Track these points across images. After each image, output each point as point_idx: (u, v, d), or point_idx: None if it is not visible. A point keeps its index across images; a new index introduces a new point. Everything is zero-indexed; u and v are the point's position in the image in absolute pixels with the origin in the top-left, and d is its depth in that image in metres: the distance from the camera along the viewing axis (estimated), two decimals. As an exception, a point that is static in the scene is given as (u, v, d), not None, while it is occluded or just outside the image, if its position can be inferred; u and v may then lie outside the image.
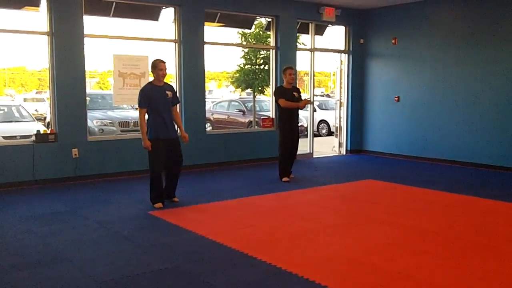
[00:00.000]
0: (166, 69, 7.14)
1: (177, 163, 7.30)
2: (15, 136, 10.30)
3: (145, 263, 4.90)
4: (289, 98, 9.03)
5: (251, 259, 5.01)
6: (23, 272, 4.66)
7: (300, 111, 9.34)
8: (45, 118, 15.73)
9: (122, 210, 7.06)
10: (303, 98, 9.48)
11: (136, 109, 14.67)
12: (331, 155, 13.01)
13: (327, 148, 13.91)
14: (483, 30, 10.56)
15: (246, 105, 17.70)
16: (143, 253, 5.24)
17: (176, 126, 7.44)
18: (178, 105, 7.72)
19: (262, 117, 13.42)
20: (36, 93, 29.64)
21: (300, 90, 9.61)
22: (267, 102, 17.09)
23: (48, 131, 9.08)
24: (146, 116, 7.10)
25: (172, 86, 7.48)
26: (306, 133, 13.85)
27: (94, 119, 12.75)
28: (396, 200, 7.79)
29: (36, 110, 19.05)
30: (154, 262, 4.93)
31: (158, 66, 7.04)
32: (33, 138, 8.84)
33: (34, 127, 10.00)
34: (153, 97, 7.02)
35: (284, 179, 9.16)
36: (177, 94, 8.11)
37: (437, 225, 6.27)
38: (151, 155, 7.11)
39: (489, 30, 10.47)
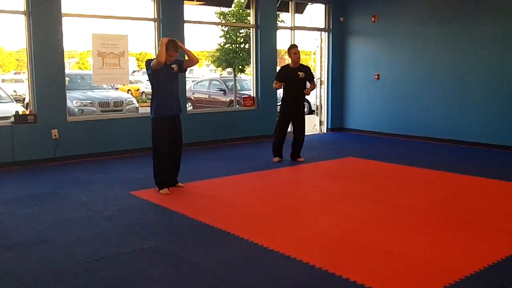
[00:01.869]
0: (175, 56, 6.74)
1: (177, 143, 6.96)
2: (-6, 118, 10.20)
3: (128, 243, 4.92)
4: (291, 77, 8.74)
5: (234, 237, 5.05)
6: (4, 254, 4.65)
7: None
8: (23, 99, 15.57)
9: (103, 190, 7.05)
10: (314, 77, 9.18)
11: (117, 89, 14.68)
12: (312, 133, 13.06)
13: (308, 126, 13.86)
14: (463, 6, 10.61)
15: (227, 84, 17.64)
16: (125, 233, 5.25)
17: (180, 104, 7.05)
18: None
19: (243, 96, 13.41)
20: (15, 73, 29.23)
21: (311, 69, 9.26)
22: (248, 81, 17.05)
23: (27, 112, 8.99)
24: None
25: (178, 59, 7.00)
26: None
27: (74, 99, 12.66)
28: (377, 177, 7.86)
29: (14, 91, 18.81)
30: (136, 242, 4.95)
31: (169, 52, 6.63)
32: (12, 119, 8.75)
33: (12, 108, 9.91)
34: (157, 71, 6.68)
35: (275, 159, 9.06)
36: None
37: (418, 201, 6.35)
38: (155, 136, 6.79)
39: (469, 7, 10.52)
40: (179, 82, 7.09)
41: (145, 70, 6.94)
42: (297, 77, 8.76)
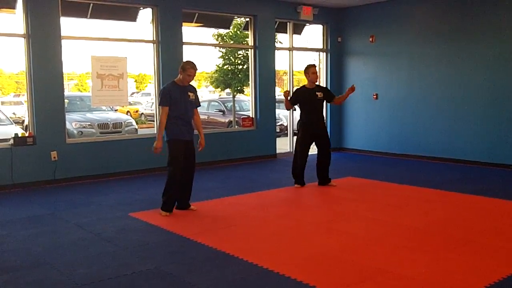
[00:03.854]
0: (194, 76, 6.84)
1: (190, 168, 7.01)
2: (-7, 140, 10.20)
3: (127, 265, 4.89)
4: (309, 99, 8.37)
5: (232, 258, 5.03)
6: (3, 277, 4.62)
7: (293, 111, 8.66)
8: (23, 121, 15.58)
9: (102, 212, 7.03)
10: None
11: (116, 110, 14.70)
12: (311, 153, 13.00)
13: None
14: (460, 26, 10.68)
15: (225, 105, 17.69)
16: (124, 255, 5.23)
17: (195, 131, 7.08)
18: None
19: (242, 117, 13.43)
20: (14, 96, 29.31)
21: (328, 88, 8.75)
22: (247, 101, 17.08)
23: (26, 134, 9.00)
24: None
25: (194, 88, 7.10)
26: (286, 132, 13.93)
27: (73, 121, 12.67)
28: (377, 196, 7.85)
29: (14, 113, 18.83)
30: (135, 264, 4.93)
31: (187, 71, 6.73)
32: (11, 141, 8.76)
33: (12, 130, 9.91)
34: (173, 96, 6.74)
35: (297, 186, 8.56)
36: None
37: (417, 220, 6.34)
38: (171, 155, 6.82)
39: (466, 26, 10.59)
40: (197, 111, 7.13)
41: (158, 99, 7.03)
42: (315, 98, 8.40)
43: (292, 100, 8.53)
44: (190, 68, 6.77)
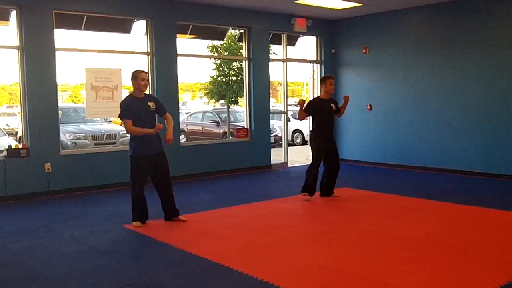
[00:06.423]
0: (147, 79, 6.80)
1: (164, 183, 6.94)
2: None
3: (121, 277, 4.87)
4: (325, 110, 8.29)
5: (227, 270, 5.01)
6: (-4, 290, 4.60)
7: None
8: (16, 132, 15.54)
9: (97, 224, 7.00)
10: None
11: (110, 122, 14.67)
12: (306, 164, 13.03)
13: (301, 157, 13.95)
14: (453, 36, 10.74)
15: (220, 116, 17.71)
16: (119, 267, 5.20)
17: (163, 139, 6.97)
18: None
19: (236, 128, 13.44)
20: (7, 107, 29.22)
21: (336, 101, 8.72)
22: (241, 112, 17.11)
23: (20, 146, 8.96)
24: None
25: (154, 97, 7.06)
26: (280, 142, 13.93)
27: (67, 132, 12.64)
28: (372, 207, 7.84)
29: (7, 125, 18.77)
30: (130, 276, 4.90)
31: (139, 76, 6.68)
32: (5, 153, 8.72)
33: (5, 142, 9.88)
34: (133, 109, 6.65)
35: (306, 197, 8.42)
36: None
37: (414, 231, 6.33)
38: (132, 172, 6.80)
39: (459, 36, 10.65)
40: (156, 119, 7.03)
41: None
42: (331, 110, 8.36)
43: (307, 110, 8.36)
44: (140, 72, 6.76)
